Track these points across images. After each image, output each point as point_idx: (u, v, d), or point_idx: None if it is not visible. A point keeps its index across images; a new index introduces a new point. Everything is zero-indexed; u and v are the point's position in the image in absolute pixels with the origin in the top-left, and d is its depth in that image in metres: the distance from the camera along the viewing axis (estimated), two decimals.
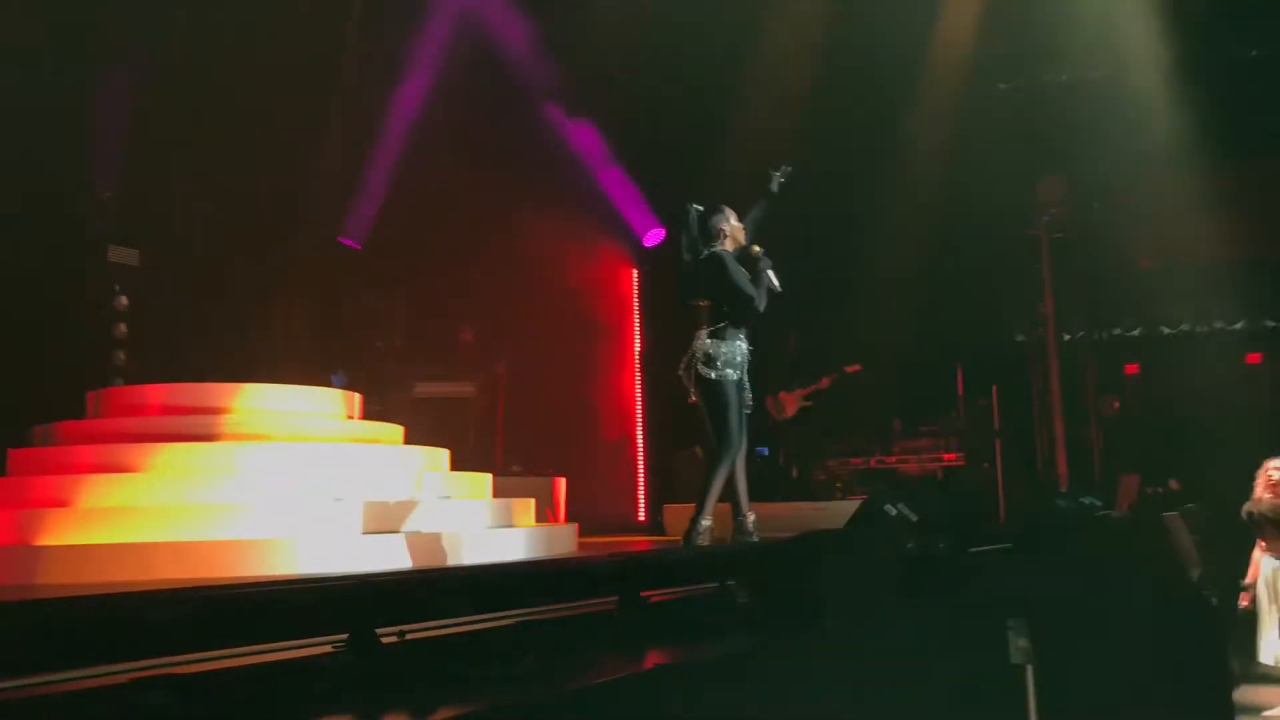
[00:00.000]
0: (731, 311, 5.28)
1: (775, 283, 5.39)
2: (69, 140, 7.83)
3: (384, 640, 2.39)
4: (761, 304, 5.30)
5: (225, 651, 2.29)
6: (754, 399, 5.47)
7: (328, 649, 2.33)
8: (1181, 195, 10.49)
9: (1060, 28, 10.23)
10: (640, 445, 10.95)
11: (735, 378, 5.23)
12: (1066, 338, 10.32)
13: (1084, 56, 11.01)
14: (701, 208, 5.48)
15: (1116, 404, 10.24)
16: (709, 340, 5.25)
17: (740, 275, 5.29)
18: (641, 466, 10.91)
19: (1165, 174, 10.65)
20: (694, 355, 5.27)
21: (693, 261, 5.42)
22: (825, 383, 9.92)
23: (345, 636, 2.34)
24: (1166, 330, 11.42)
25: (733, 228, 5.44)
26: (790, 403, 9.91)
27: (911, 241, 10.61)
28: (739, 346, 5.26)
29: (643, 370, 11.04)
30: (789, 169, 5.63)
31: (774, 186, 5.66)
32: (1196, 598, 5.18)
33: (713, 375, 5.20)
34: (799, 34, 10.29)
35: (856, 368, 9.87)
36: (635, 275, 11.25)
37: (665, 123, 10.55)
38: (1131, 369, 11.16)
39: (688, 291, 5.44)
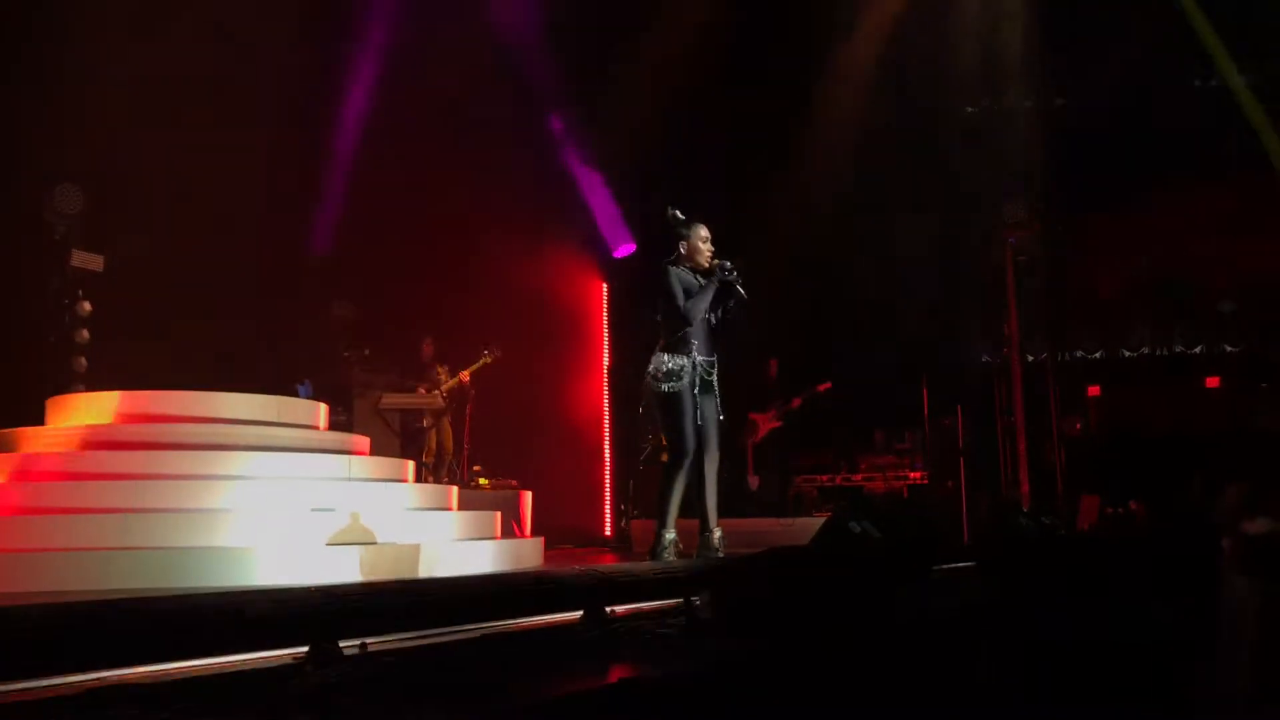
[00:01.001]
0: (668, 325, 5.34)
1: (741, 291, 5.42)
2: (37, 145, 7.76)
3: (345, 652, 2.38)
4: (694, 315, 5.31)
5: (184, 663, 2.26)
6: (725, 413, 5.49)
7: (289, 660, 2.31)
8: (1139, 221, 10.69)
9: (1025, 52, 10.38)
10: (607, 459, 10.94)
11: (686, 388, 5.26)
12: (1030, 359, 10.43)
13: (1049, 81, 11.20)
14: (682, 217, 5.49)
15: (1078, 425, 10.35)
16: (659, 354, 5.32)
17: (675, 289, 5.32)
18: (608, 480, 10.89)
19: (1125, 199, 10.86)
20: (648, 370, 5.34)
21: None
22: (796, 402, 10.02)
23: (306, 648, 2.32)
24: (1128, 353, 11.59)
25: (690, 245, 5.44)
26: (763, 423, 9.96)
27: (878, 263, 10.71)
28: (688, 360, 5.29)
29: (611, 384, 11.04)
30: (731, 267, 5.46)
31: (726, 277, 5.45)
32: (1156, 619, 5.24)
33: (664, 389, 5.26)
34: (770, 50, 10.38)
35: (827, 385, 9.98)
36: (604, 289, 11.26)
37: (642, 130, 10.58)
38: (1094, 391, 11.29)
39: (650, 305, 5.53)
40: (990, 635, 3.75)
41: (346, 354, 9.24)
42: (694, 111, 10.49)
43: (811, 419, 10.45)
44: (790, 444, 10.58)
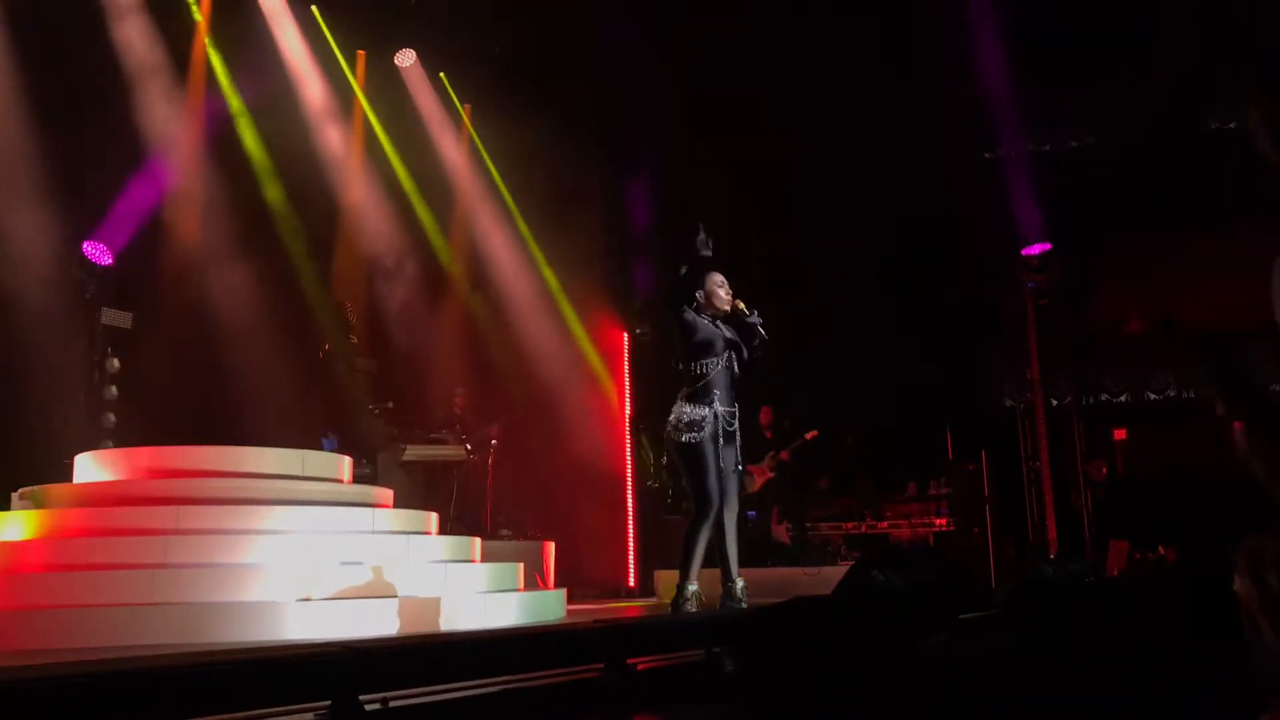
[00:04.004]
0: (686, 370, 5.38)
1: (763, 332, 5.45)
2: (68, 204, 7.93)
3: (367, 708, 2.39)
4: (704, 360, 5.35)
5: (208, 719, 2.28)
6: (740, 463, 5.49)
7: (310, 717, 2.33)
8: (1164, 262, 10.67)
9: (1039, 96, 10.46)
10: (631, 509, 10.90)
11: (707, 439, 5.25)
12: (1055, 403, 10.38)
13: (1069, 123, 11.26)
14: (708, 245, 5.51)
15: (1104, 469, 10.26)
16: (680, 405, 5.33)
17: (684, 338, 5.36)
18: (632, 531, 10.85)
19: (1151, 239, 10.87)
20: (669, 421, 5.36)
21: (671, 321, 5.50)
22: (785, 455, 10.03)
23: (328, 704, 2.34)
24: (1153, 396, 11.51)
25: (707, 292, 5.48)
26: (759, 474, 9.95)
27: (899, 309, 10.73)
28: (709, 410, 5.29)
29: (633, 433, 11.03)
30: (757, 317, 5.52)
31: (746, 318, 5.52)
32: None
33: (683, 439, 5.26)
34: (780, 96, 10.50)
35: (814, 434, 9.99)
36: (626, 339, 11.29)
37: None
38: (1120, 434, 11.20)
39: (671, 354, 5.58)
40: (1013, 686, 3.71)
41: (371, 407, 9.29)
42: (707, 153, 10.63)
43: (836, 467, 10.45)
44: (808, 492, 10.59)
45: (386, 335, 9.91)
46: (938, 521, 10.74)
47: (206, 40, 9.08)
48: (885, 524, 11.01)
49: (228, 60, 9.16)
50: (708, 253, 5.50)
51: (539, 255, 10.86)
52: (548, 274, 10.84)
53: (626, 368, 11.28)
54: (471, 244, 10.82)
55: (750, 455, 10.01)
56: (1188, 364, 11.34)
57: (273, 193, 9.32)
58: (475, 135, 10.90)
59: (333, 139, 9.90)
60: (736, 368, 5.46)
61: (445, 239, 10.76)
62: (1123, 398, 11.66)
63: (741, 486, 5.60)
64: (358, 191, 10.07)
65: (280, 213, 9.27)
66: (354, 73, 10.16)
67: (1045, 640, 4.57)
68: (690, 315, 5.40)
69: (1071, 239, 10.56)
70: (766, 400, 10.11)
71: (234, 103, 9.22)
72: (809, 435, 10.07)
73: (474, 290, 10.39)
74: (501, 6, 9.82)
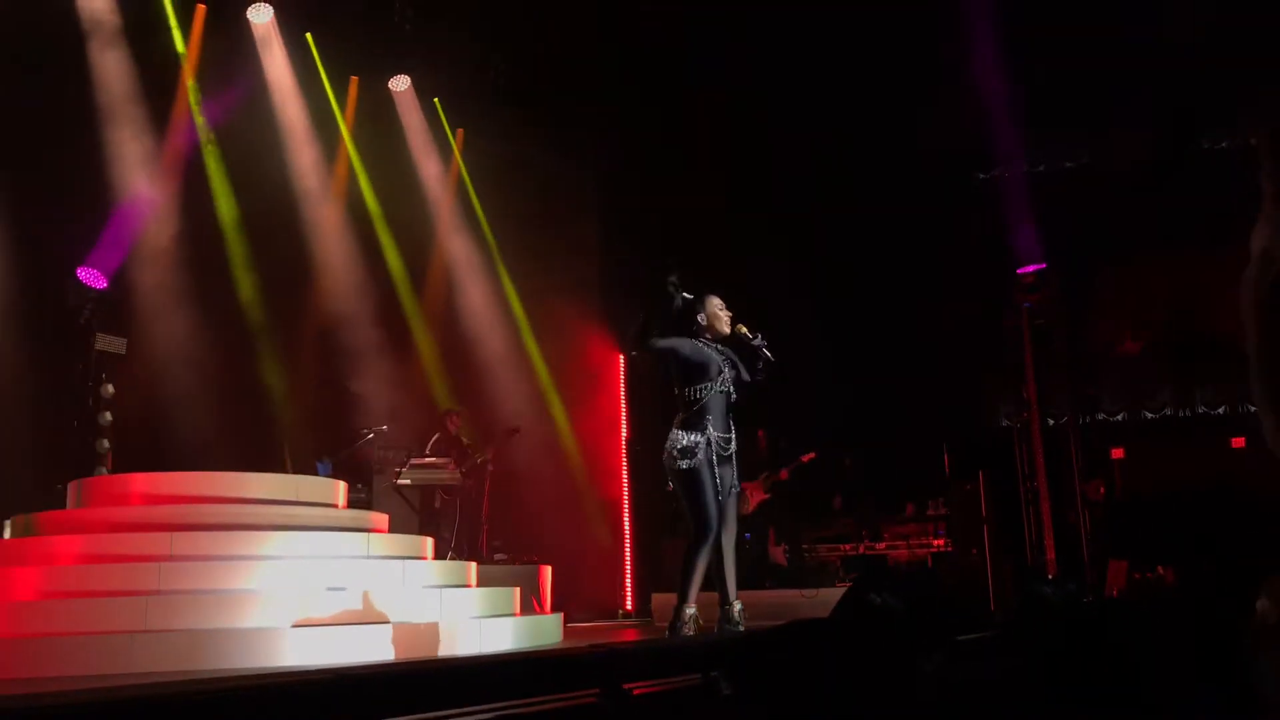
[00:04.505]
0: (681, 399, 5.33)
1: (769, 354, 5.41)
2: (64, 230, 7.94)
3: None
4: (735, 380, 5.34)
5: None
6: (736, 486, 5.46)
7: None
8: (1162, 280, 10.71)
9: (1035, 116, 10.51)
10: (628, 532, 10.88)
11: (703, 463, 5.21)
12: (1051, 422, 10.38)
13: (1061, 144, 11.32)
14: (684, 292, 5.45)
15: (1102, 489, 10.25)
16: (675, 431, 5.28)
17: (688, 363, 5.31)
18: (629, 553, 10.82)
19: (1145, 258, 10.91)
20: (665, 447, 5.30)
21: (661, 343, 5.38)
22: (784, 474, 10.01)
23: None
24: (1150, 415, 11.51)
25: (709, 315, 5.45)
26: (754, 493, 9.94)
27: (896, 329, 10.75)
28: (703, 436, 5.25)
29: (629, 456, 11.02)
30: (761, 340, 5.48)
31: (750, 341, 5.48)
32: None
33: (681, 465, 5.21)
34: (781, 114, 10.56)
35: (812, 455, 9.98)
36: (622, 361, 11.30)
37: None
38: (1117, 453, 11.19)
39: (666, 375, 5.52)
40: (1012, 707, 3.69)
41: (365, 431, 9.27)
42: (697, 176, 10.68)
43: (831, 487, 10.43)
44: (804, 514, 10.57)
45: (378, 358, 9.90)
46: (936, 542, 10.71)
47: (191, 70, 9.07)
48: (883, 545, 10.97)
49: (216, 89, 9.17)
50: (674, 284, 5.40)
51: (509, 287, 10.89)
52: (516, 307, 10.87)
53: (622, 390, 11.28)
54: (461, 266, 10.83)
55: (744, 476, 10.01)
56: (1185, 382, 11.36)
57: (259, 219, 9.33)
58: (461, 163, 10.93)
59: (320, 165, 9.92)
60: (734, 391, 5.40)
61: (433, 262, 10.78)
62: (1120, 416, 11.66)
63: (737, 508, 5.55)
64: (345, 216, 10.09)
65: (267, 239, 9.28)
66: (346, 99, 10.19)
67: (1044, 661, 4.55)
68: (666, 342, 5.32)
69: (1067, 258, 10.60)
70: (761, 422, 10.10)
71: (219, 132, 9.24)
72: (805, 458, 10.05)
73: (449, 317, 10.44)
74: (500, 30, 9.87)
